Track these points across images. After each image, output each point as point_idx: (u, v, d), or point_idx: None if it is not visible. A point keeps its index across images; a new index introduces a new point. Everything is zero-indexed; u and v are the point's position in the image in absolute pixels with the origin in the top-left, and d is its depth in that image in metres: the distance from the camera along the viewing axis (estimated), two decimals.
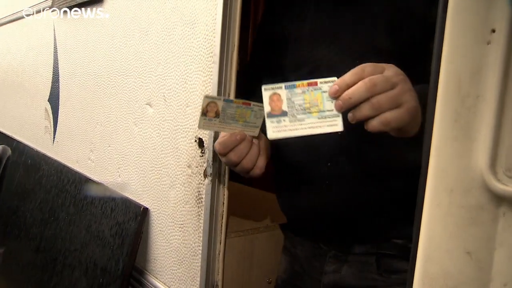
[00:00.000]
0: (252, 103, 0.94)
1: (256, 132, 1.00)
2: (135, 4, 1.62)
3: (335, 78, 0.79)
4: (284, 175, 1.30)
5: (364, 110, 0.76)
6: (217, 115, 0.95)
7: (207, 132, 1.26)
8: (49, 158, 2.40)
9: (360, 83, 0.76)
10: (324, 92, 0.80)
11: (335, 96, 0.79)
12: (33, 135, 2.68)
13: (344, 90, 0.78)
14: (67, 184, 2.11)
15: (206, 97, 0.94)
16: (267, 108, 0.84)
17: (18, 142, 2.88)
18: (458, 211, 0.61)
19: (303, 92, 0.81)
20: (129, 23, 1.65)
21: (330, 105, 0.81)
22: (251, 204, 1.84)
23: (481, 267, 0.59)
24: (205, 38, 1.26)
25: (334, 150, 1.09)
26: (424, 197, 0.65)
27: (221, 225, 1.28)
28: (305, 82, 0.81)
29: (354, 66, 0.79)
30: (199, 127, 0.98)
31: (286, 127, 0.83)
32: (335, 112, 0.81)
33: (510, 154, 0.56)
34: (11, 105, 3.11)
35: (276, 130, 0.84)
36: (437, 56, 0.63)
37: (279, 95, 0.82)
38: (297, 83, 0.82)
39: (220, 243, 1.28)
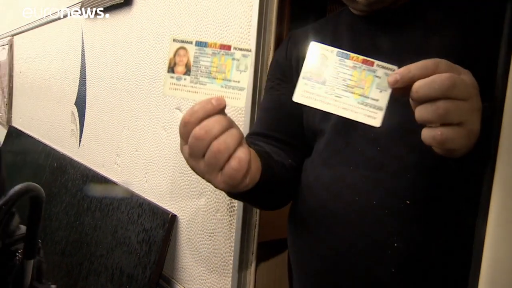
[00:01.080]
0: (233, 46, 0.70)
1: (241, 99, 0.70)
2: (165, 7, 1.59)
3: (396, 67, 0.67)
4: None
5: (424, 112, 0.62)
6: (188, 69, 0.71)
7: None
8: (75, 161, 2.39)
9: (436, 77, 0.61)
10: (377, 77, 0.68)
11: (393, 86, 0.65)
12: (59, 138, 2.67)
13: (406, 83, 0.63)
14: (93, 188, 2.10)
15: (174, 40, 0.71)
16: (306, 67, 0.68)
17: (45, 145, 2.88)
18: None
19: (354, 68, 0.68)
20: (159, 25, 1.62)
21: (377, 94, 0.68)
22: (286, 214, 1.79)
23: None
24: (239, 42, 1.22)
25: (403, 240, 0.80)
26: (490, 201, 0.59)
27: (254, 235, 1.24)
28: (361, 57, 0.68)
29: None
30: (164, 92, 0.72)
31: (318, 96, 0.69)
32: (379, 103, 0.68)
33: None
34: (38, 109, 3.13)
35: (305, 95, 0.68)
36: (506, 48, 0.57)
37: (326, 55, 0.69)
38: (352, 54, 0.68)
39: (253, 253, 1.23)
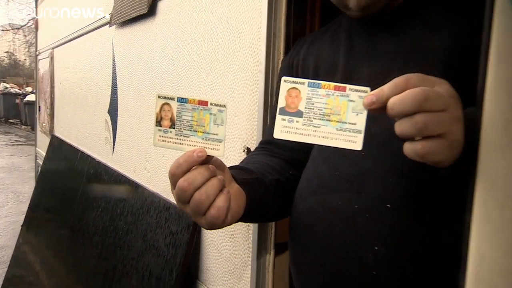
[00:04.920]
0: (210, 101, 0.76)
1: (220, 150, 0.77)
2: (184, 16, 1.63)
3: (368, 89, 0.67)
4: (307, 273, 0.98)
5: (403, 127, 0.62)
6: (173, 123, 0.77)
7: (255, 139, 1.24)
8: (109, 167, 2.47)
9: (408, 92, 0.61)
10: (351, 101, 0.68)
11: (370, 108, 0.66)
12: (95, 145, 2.77)
13: (383, 103, 0.64)
14: (124, 193, 2.17)
15: (159, 97, 0.77)
16: (281, 102, 0.70)
17: (82, 153, 2.99)
18: (511, 228, 0.56)
19: (327, 95, 0.69)
20: (180, 34, 1.67)
21: (354, 117, 0.68)
22: None
23: None
24: (251, 47, 1.25)
25: (384, 227, 0.82)
26: (472, 212, 0.59)
27: (271, 235, 1.26)
28: (333, 84, 0.68)
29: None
30: (154, 143, 0.78)
31: (297, 130, 0.70)
32: (357, 127, 0.68)
33: None
34: (76, 118, 3.25)
35: (284, 130, 0.70)
36: (484, 62, 0.58)
37: (299, 91, 0.70)
38: (323, 83, 0.69)
39: (270, 253, 1.26)
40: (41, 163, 4.42)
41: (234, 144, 1.34)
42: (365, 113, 0.67)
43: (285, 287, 1.31)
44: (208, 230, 1.49)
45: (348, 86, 0.68)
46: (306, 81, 0.70)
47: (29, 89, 22.19)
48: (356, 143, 0.68)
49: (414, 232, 0.80)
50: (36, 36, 4.89)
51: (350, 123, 0.68)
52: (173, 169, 0.74)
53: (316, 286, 0.92)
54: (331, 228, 0.87)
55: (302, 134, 0.70)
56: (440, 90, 0.63)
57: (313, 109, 0.70)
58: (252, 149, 1.24)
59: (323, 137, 0.70)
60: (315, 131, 0.70)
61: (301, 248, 0.96)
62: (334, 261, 0.87)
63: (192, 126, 0.76)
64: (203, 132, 0.76)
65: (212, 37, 1.45)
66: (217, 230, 1.40)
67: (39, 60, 4.65)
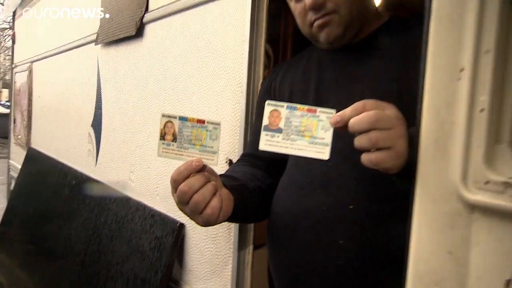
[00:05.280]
0: (206, 120, 0.94)
1: (214, 160, 0.94)
2: (171, 39, 1.80)
3: (334, 111, 0.86)
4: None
5: (360, 141, 0.81)
6: (174, 138, 0.94)
7: (237, 152, 1.41)
8: (92, 178, 2.60)
9: (364, 115, 0.80)
10: (321, 121, 0.87)
11: (335, 126, 0.85)
12: (77, 158, 2.89)
13: (345, 123, 0.82)
14: (109, 203, 2.29)
15: (163, 115, 0.93)
16: (265, 121, 0.89)
17: (63, 165, 3.10)
18: (441, 218, 0.74)
19: (302, 116, 0.88)
20: (167, 55, 1.84)
21: (323, 133, 0.87)
22: None
23: (460, 263, 0.72)
24: (233, 71, 1.43)
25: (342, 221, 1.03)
26: (413, 206, 0.78)
27: (250, 237, 1.42)
28: (306, 107, 0.88)
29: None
30: (158, 154, 0.95)
31: (278, 143, 0.89)
32: (325, 141, 0.87)
33: (478, 170, 0.69)
34: (57, 131, 3.35)
35: (267, 143, 0.89)
36: (421, 91, 0.77)
37: (279, 112, 0.89)
38: (299, 106, 0.89)
39: (249, 253, 1.42)
40: (14, 175, 4.48)
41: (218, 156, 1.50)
42: (331, 130, 0.87)
43: (264, 282, 1.48)
44: (192, 234, 1.64)
45: (318, 109, 0.87)
46: (285, 104, 0.89)
47: None
48: (324, 154, 0.88)
49: (372, 228, 1.00)
50: (12, 50, 4.96)
51: (319, 138, 0.88)
52: (175, 176, 0.92)
53: (291, 276, 1.11)
54: (303, 225, 1.07)
55: (281, 146, 0.89)
56: (388, 113, 0.83)
57: (291, 126, 0.89)
58: (234, 160, 1.41)
59: (299, 149, 0.89)
60: (292, 144, 0.89)
61: (278, 243, 1.15)
62: (305, 253, 1.06)
63: (191, 140, 0.94)
64: (200, 145, 0.94)
65: (198, 60, 1.62)
66: (199, 233, 1.57)
67: (15, 73, 4.72)
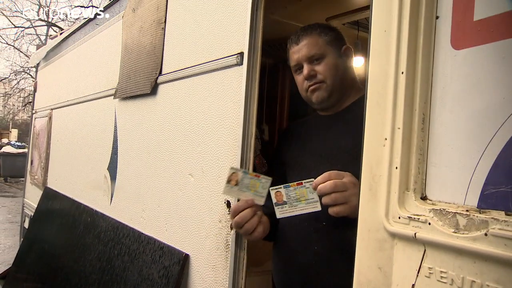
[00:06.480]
0: (261, 176, 1.46)
1: (262, 201, 1.48)
2: (181, 99, 2.15)
3: (313, 179, 1.33)
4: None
5: (327, 199, 1.31)
6: (236, 183, 1.45)
7: (232, 197, 1.73)
8: (106, 216, 2.90)
9: (327, 183, 1.31)
10: (307, 188, 1.34)
11: (314, 189, 1.33)
12: (93, 197, 3.20)
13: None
14: (122, 237, 2.59)
15: (232, 168, 1.49)
16: (274, 199, 1.40)
17: (79, 203, 3.40)
18: (373, 243, 1.05)
19: (295, 189, 1.36)
20: (176, 112, 2.18)
21: (311, 195, 1.34)
22: (268, 251, 2.27)
23: (386, 276, 1.02)
24: (231, 128, 1.75)
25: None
26: (357, 234, 1.09)
27: (243, 266, 1.72)
28: (295, 183, 1.36)
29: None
30: (223, 192, 1.53)
31: (287, 210, 1.39)
32: (315, 199, 1.34)
33: (394, 209, 1.00)
34: (74, 172, 3.68)
35: (281, 213, 1.40)
36: (361, 153, 1.09)
37: (280, 191, 1.39)
38: (290, 184, 1.37)
39: (242, 279, 1.71)
40: (29, 212, 4.78)
41: (217, 198, 1.81)
42: (316, 191, 1.34)
43: None
44: (195, 263, 1.94)
45: (303, 181, 1.36)
46: (282, 186, 1.39)
47: (4, 140, 22.32)
48: (317, 207, 1.36)
49: (337, 238, 1.45)
50: (33, 97, 5.38)
51: (311, 198, 1.36)
52: (235, 208, 1.53)
53: (284, 270, 1.63)
54: (296, 236, 1.57)
55: (290, 212, 1.40)
56: (345, 180, 1.30)
57: (291, 198, 1.38)
58: (231, 202, 1.72)
59: (300, 209, 1.38)
60: (296, 208, 1.39)
61: (278, 251, 1.67)
62: (293, 254, 1.57)
63: (248, 187, 1.45)
64: (255, 191, 1.45)
65: (203, 117, 1.96)
66: (201, 262, 1.86)
67: (35, 118, 5.10)
